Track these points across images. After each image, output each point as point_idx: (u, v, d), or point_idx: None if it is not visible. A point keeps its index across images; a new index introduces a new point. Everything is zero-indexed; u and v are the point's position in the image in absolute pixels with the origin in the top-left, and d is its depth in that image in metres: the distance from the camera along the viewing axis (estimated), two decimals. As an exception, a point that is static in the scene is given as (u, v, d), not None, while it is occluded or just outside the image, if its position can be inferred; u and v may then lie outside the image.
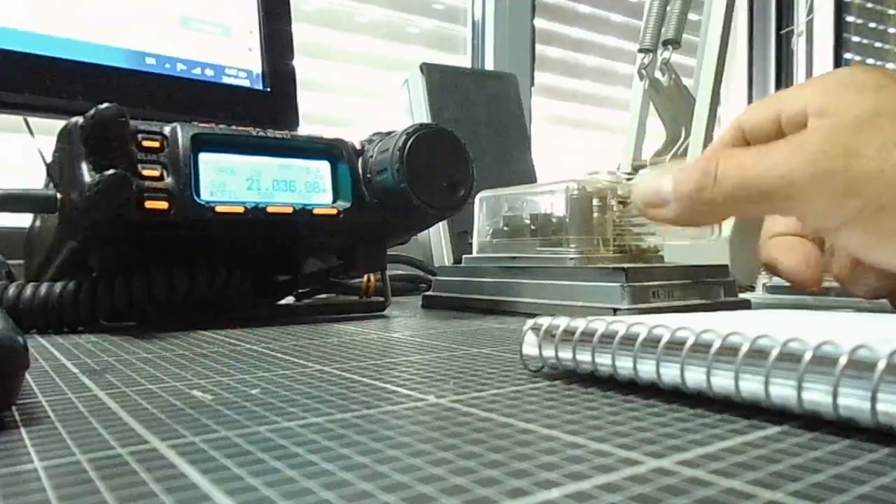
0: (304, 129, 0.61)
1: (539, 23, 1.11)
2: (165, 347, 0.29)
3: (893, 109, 0.26)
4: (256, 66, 0.58)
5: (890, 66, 1.61)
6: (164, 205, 0.34)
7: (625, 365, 0.19)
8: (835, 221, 0.26)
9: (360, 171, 0.41)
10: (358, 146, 0.42)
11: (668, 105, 0.70)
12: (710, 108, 0.65)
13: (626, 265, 0.37)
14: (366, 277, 0.50)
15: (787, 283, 0.37)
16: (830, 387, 0.14)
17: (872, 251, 0.27)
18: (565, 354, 0.20)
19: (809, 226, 0.28)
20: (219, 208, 0.36)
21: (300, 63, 0.60)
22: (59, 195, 0.35)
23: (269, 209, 0.37)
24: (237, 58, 0.57)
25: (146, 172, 0.34)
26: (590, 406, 0.17)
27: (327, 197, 0.40)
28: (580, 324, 0.20)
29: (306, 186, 0.40)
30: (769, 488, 0.11)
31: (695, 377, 0.17)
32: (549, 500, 0.11)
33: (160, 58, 0.53)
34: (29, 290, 0.36)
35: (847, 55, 1.46)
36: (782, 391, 0.15)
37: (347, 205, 0.40)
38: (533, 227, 0.43)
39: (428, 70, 0.68)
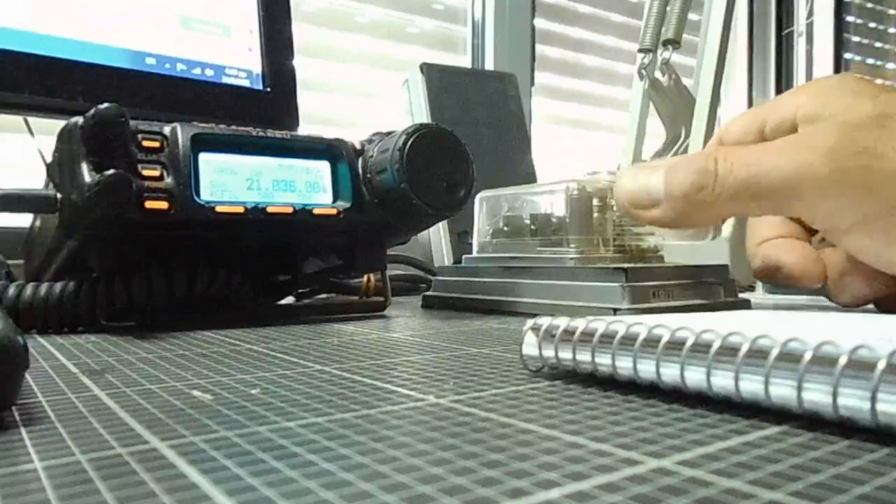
0: (304, 129, 0.61)
1: (539, 23, 1.11)
2: (165, 347, 0.29)
3: None
4: (256, 66, 0.58)
5: (890, 66, 1.61)
6: (164, 205, 0.34)
7: (625, 365, 0.19)
8: (846, 222, 0.25)
9: (360, 171, 0.41)
10: (358, 146, 0.42)
11: (668, 105, 0.70)
12: (710, 108, 0.65)
13: (626, 265, 0.37)
14: (366, 277, 0.50)
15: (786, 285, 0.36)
16: (830, 387, 0.14)
17: (882, 254, 0.26)
18: (565, 354, 0.20)
19: (817, 226, 0.27)
20: (219, 208, 0.36)
21: (300, 63, 0.60)
22: (59, 195, 0.35)
23: (270, 209, 0.37)
24: (237, 58, 0.57)
25: (146, 172, 0.34)
26: (590, 406, 0.17)
27: (327, 197, 0.40)
28: (580, 324, 0.20)
29: (306, 186, 0.40)
30: (769, 488, 0.11)
31: (695, 377, 0.17)
32: (549, 500, 0.11)
33: (160, 58, 0.53)
34: (29, 290, 0.36)
35: (847, 55, 1.46)
36: (782, 391, 0.15)
37: (347, 205, 0.40)
38: (533, 227, 0.43)
39: (428, 70, 0.68)
